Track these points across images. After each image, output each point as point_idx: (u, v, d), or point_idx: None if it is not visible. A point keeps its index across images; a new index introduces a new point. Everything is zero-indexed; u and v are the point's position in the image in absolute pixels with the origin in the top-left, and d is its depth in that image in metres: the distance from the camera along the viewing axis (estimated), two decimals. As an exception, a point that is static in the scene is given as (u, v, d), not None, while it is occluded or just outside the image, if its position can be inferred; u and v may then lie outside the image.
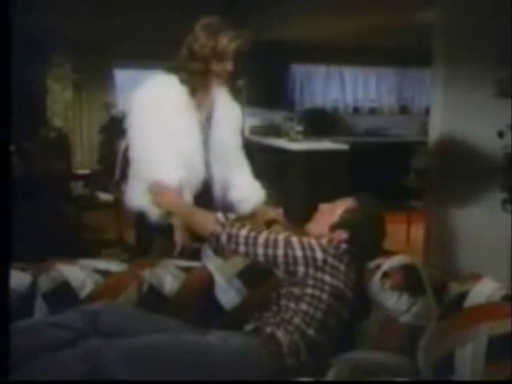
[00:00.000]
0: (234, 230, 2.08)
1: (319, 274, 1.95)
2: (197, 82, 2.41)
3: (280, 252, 1.99)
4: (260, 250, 2.03)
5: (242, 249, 2.06)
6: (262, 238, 2.04)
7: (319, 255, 1.97)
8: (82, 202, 5.61)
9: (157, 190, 2.33)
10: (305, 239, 2.02)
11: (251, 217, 2.61)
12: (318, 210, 2.25)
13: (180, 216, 2.30)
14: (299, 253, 1.97)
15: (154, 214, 2.39)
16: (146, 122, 2.38)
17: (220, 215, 2.14)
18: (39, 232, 4.23)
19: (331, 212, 2.17)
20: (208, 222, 2.15)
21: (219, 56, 2.34)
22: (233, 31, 2.34)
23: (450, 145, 4.03)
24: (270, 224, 2.52)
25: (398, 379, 1.64)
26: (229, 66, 2.38)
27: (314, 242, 2.02)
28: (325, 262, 1.97)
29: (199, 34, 2.35)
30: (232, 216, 2.16)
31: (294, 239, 2.01)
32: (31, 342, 1.77)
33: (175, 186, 2.32)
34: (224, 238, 2.08)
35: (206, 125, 2.52)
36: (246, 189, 2.65)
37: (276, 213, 2.59)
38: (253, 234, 2.06)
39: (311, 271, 1.96)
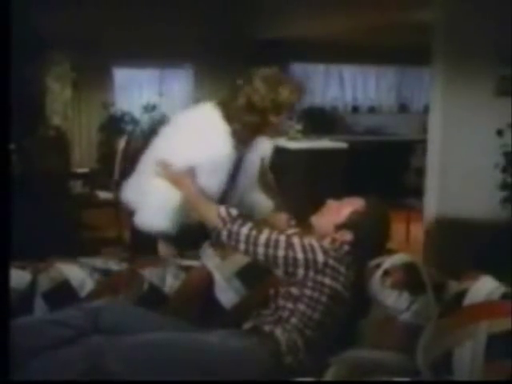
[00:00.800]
0: (236, 227, 2.04)
1: (319, 277, 1.93)
2: (248, 133, 2.36)
3: (281, 253, 1.96)
4: (260, 250, 1.99)
5: (242, 246, 2.03)
6: (263, 238, 2.00)
7: (320, 258, 1.94)
8: (82, 200, 5.60)
9: (163, 165, 2.29)
10: (306, 241, 1.99)
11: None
12: (325, 206, 2.20)
13: (185, 198, 2.27)
14: (300, 255, 1.94)
15: (143, 214, 2.38)
16: (176, 143, 2.33)
17: (222, 210, 2.09)
18: (38, 231, 4.22)
19: (338, 210, 2.13)
20: (211, 214, 2.11)
21: (278, 108, 2.27)
22: (292, 83, 2.28)
23: (449, 143, 4.03)
24: None
25: (398, 379, 1.64)
26: (284, 117, 2.31)
27: (315, 243, 1.98)
28: (325, 264, 1.94)
29: (259, 86, 2.25)
30: (234, 212, 2.12)
31: (296, 241, 1.98)
32: (32, 340, 1.78)
33: (183, 166, 2.27)
34: (224, 234, 2.04)
35: (237, 163, 2.45)
36: (254, 198, 2.64)
37: (285, 223, 2.54)
38: (254, 232, 2.02)
39: (311, 274, 1.94)
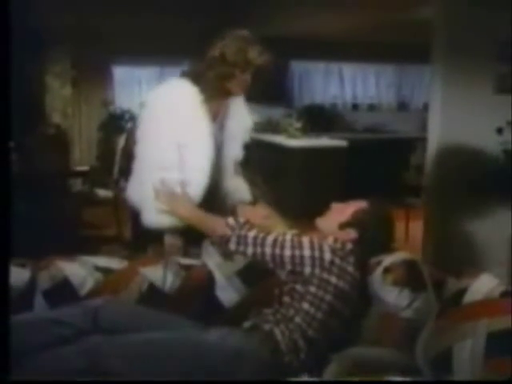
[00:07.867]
0: (243, 232, 2.07)
1: (325, 275, 1.94)
2: (216, 88, 2.44)
3: (287, 252, 1.98)
4: (268, 250, 2.00)
5: (250, 250, 2.04)
6: (270, 239, 2.02)
7: (327, 256, 1.95)
8: (81, 198, 5.60)
9: (165, 196, 2.32)
10: (315, 240, 2.00)
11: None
12: (330, 208, 2.22)
13: (192, 222, 2.27)
14: (307, 252, 1.95)
15: (150, 213, 2.38)
16: (158, 127, 2.38)
17: (231, 219, 2.12)
18: (38, 229, 4.22)
19: (342, 211, 2.15)
20: (217, 225, 2.13)
21: (246, 66, 2.38)
22: (260, 46, 2.41)
23: (448, 142, 4.03)
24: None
25: (397, 378, 1.64)
26: (249, 78, 2.42)
27: (324, 242, 2.00)
28: (332, 263, 1.95)
29: (232, 42, 2.40)
30: (242, 219, 2.13)
31: (305, 239, 1.99)
32: (31, 338, 1.78)
33: (182, 190, 2.32)
34: (234, 240, 2.06)
35: (219, 137, 2.52)
36: (233, 183, 2.65)
37: (260, 218, 2.44)
38: (261, 234, 2.05)
39: (317, 271, 1.94)
